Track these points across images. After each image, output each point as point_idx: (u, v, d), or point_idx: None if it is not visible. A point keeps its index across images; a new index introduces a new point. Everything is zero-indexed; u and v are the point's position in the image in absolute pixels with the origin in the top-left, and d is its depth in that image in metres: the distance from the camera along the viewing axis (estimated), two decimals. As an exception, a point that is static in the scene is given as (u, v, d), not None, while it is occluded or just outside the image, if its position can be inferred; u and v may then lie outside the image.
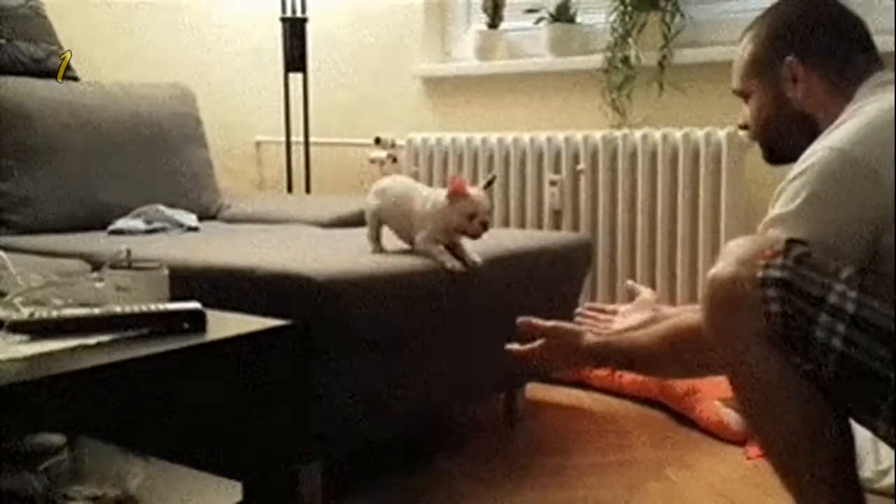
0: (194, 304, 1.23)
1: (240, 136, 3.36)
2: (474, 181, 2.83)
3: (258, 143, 3.47)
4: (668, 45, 2.57)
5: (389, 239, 1.93)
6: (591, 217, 2.65)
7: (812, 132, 1.34)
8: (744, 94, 1.47)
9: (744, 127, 1.51)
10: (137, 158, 2.58)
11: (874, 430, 1.20)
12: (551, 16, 2.79)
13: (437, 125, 3.07)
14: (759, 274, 1.17)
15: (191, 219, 2.50)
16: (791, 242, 1.20)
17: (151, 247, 1.96)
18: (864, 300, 1.15)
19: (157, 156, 2.63)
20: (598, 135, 2.62)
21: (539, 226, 2.72)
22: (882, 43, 1.46)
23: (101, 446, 1.39)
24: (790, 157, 1.35)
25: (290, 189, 3.22)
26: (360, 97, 3.25)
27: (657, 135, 2.52)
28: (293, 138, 3.20)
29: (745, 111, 1.48)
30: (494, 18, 2.96)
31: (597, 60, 2.67)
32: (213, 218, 2.71)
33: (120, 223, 2.40)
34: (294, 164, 3.21)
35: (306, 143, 3.20)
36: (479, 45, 2.97)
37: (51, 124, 2.43)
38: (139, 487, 1.28)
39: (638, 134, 2.55)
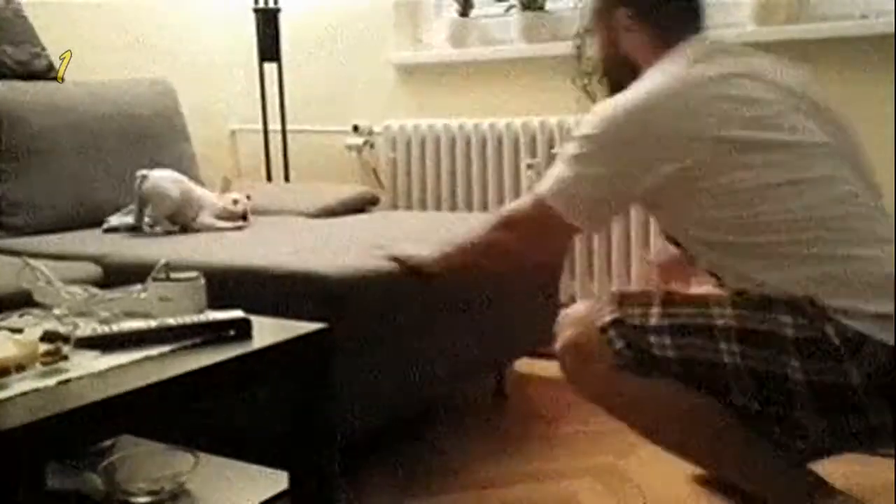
0: (238, 313, 1.33)
1: (215, 125, 3.41)
2: (452, 166, 2.94)
3: (233, 132, 3.53)
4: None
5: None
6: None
7: (634, 76, 1.55)
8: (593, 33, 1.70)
9: None
10: (125, 155, 2.63)
11: (732, 406, 1.41)
12: (521, 4, 2.89)
13: (413, 112, 3.15)
14: (599, 323, 1.44)
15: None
16: (612, 294, 1.48)
17: (153, 248, 2.04)
18: (672, 311, 1.41)
19: (143, 151, 2.68)
20: (571, 119, 2.74)
21: (517, 208, 2.83)
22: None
23: (145, 444, 1.48)
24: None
25: (269, 178, 3.28)
26: (336, 85, 3.32)
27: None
28: (270, 127, 3.26)
29: None
30: (465, 7, 3.05)
31: (566, 47, 2.79)
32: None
33: (113, 220, 2.47)
34: (272, 153, 3.28)
35: (283, 132, 3.26)
36: (452, 32, 3.06)
37: (40, 126, 2.47)
38: (192, 481, 1.38)
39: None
